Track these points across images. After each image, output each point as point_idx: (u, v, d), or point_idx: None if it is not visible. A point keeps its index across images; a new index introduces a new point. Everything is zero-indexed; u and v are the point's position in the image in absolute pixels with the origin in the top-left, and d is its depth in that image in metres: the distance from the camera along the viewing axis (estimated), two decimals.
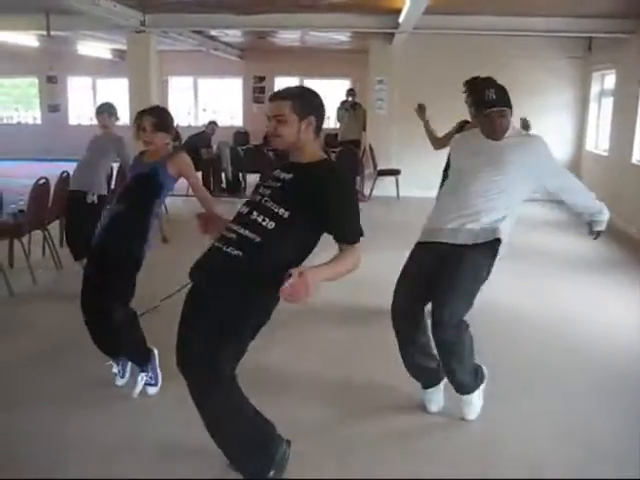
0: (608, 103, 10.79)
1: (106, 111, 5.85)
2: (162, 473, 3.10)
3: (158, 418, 3.65)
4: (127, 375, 3.98)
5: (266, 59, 16.69)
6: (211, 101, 18.22)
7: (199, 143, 11.61)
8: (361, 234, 2.69)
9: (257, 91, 17.49)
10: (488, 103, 3.35)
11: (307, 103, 2.73)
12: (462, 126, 5.40)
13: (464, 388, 3.55)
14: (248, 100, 17.62)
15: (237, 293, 2.66)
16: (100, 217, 5.24)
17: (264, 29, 11.86)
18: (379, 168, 11.56)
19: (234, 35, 13.77)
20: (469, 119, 5.23)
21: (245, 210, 2.75)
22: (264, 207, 2.69)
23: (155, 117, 3.78)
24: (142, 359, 3.83)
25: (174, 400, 3.67)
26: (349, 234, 2.68)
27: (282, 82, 17.39)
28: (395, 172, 11.47)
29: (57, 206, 6.72)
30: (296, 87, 2.79)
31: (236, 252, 2.63)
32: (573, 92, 11.87)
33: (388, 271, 3.87)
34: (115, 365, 3.96)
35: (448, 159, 4.42)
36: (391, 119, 11.73)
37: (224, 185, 11.89)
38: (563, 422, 3.66)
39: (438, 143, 5.48)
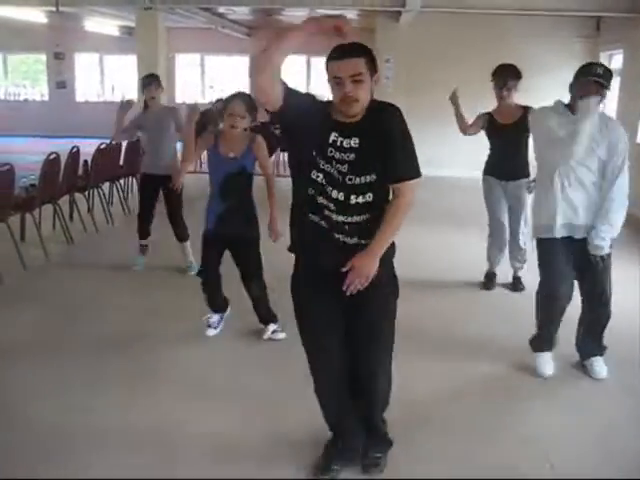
0: (615, 83, 10.79)
1: (154, 82, 5.78)
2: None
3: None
4: (219, 329, 4.45)
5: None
6: (218, 78, 18.24)
7: (206, 120, 11.64)
8: (419, 169, 2.57)
9: None
10: (591, 74, 3.48)
11: (374, 57, 2.48)
12: (487, 116, 5.45)
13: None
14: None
15: (387, 272, 2.67)
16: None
17: (272, 6, 11.86)
18: None
19: (242, 13, 13.76)
20: (483, 107, 5.41)
21: (340, 196, 2.51)
22: (354, 187, 2.50)
23: (245, 102, 4.02)
24: (271, 317, 4.40)
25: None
26: (410, 168, 2.55)
27: (289, 60, 17.30)
28: None
29: (67, 181, 6.83)
30: (354, 42, 2.44)
31: (363, 241, 2.56)
32: None
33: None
34: (215, 317, 4.46)
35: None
36: (398, 97, 11.74)
37: None
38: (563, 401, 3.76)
39: (468, 129, 5.49)
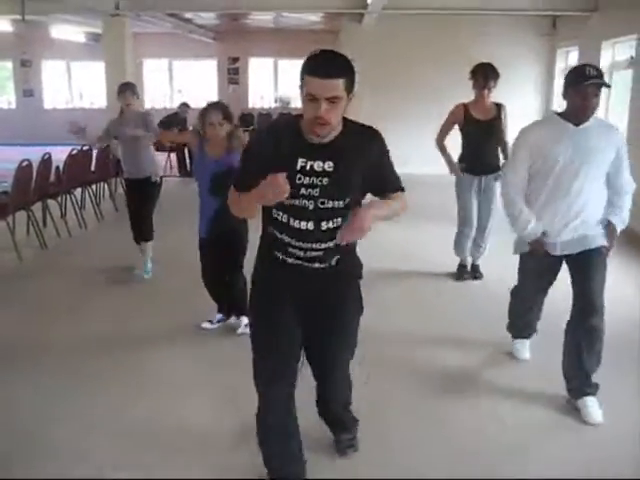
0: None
1: (128, 90, 5.75)
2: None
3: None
4: (215, 325, 4.68)
5: (240, 40, 16.83)
6: (186, 83, 18.33)
7: (173, 124, 11.76)
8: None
9: (231, 72, 17.67)
10: (587, 77, 3.26)
11: (354, 74, 2.25)
12: (464, 108, 5.47)
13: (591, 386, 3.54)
14: (223, 81, 17.77)
15: (353, 294, 2.67)
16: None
17: (238, 11, 12.04)
18: None
19: (208, 17, 13.90)
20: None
21: (309, 226, 2.39)
22: (326, 211, 2.38)
23: (221, 111, 4.22)
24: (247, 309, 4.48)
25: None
26: (398, 182, 2.55)
27: (256, 63, 17.58)
28: None
29: (40, 187, 6.94)
30: (337, 54, 2.24)
31: (328, 264, 2.49)
32: (539, 68, 12.22)
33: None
34: (218, 316, 4.70)
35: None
36: (362, 98, 11.97)
37: None
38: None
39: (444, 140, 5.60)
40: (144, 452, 3.16)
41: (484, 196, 5.59)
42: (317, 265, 2.47)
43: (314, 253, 2.44)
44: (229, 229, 4.28)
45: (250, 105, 17.66)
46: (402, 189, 2.54)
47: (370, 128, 2.46)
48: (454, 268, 5.89)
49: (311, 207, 2.36)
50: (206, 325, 4.66)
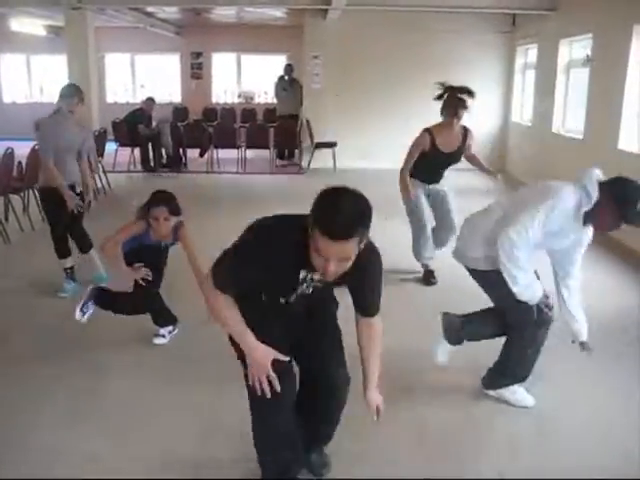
0: (531, 75, 11.38)
1: (76, 95, 5.17)
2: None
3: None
4: (168, 339, 4.42)
5: (203, 35, 16.77)
6: (149, 77, 18.19)
7: (137, 120, 11.70)
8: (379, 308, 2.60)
9: (195, 67, 17.59)
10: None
11: (369, 223, 2.13)
12: (430, 138, 5.26)
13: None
14: (186, 76, 17.68)
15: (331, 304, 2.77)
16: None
17: (201, 5, 12.02)
18: (316, 141, 11.91)
19: (171, 11, 13.84)
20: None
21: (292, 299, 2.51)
22: (319, 288, 2.49)
23: (167, 206, 3.95)
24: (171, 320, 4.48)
25: None
26: (374, 309, 2.57)
27: (219, 57, 17.52)
28: (332, 144, 11.84)
29: (2, 182, 6.87)
30: (356, 204, 2.08)
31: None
32: (500, 65, 12.44)
33: None
34: (165, 329, 4.43)
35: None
36: (327, 93, 12.07)
37: (164, 161, 12.05)
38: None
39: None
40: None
41: (437, 195, 5.49)
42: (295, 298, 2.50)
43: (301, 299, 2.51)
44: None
45: (214, 100, 17.61)
46: (373, 315, 2.57)
47: (372, 249, 2.38)
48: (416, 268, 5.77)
49: (300, 299, 2.49)
50: (158, 340, 4.37)
